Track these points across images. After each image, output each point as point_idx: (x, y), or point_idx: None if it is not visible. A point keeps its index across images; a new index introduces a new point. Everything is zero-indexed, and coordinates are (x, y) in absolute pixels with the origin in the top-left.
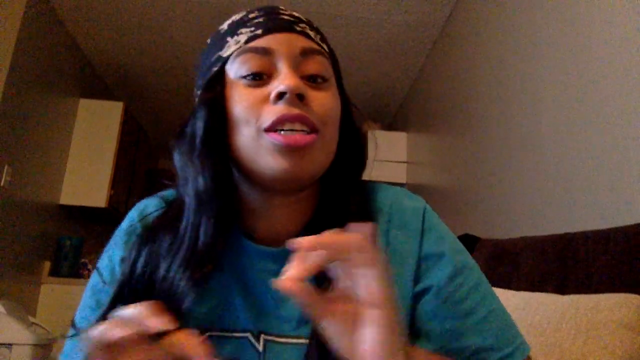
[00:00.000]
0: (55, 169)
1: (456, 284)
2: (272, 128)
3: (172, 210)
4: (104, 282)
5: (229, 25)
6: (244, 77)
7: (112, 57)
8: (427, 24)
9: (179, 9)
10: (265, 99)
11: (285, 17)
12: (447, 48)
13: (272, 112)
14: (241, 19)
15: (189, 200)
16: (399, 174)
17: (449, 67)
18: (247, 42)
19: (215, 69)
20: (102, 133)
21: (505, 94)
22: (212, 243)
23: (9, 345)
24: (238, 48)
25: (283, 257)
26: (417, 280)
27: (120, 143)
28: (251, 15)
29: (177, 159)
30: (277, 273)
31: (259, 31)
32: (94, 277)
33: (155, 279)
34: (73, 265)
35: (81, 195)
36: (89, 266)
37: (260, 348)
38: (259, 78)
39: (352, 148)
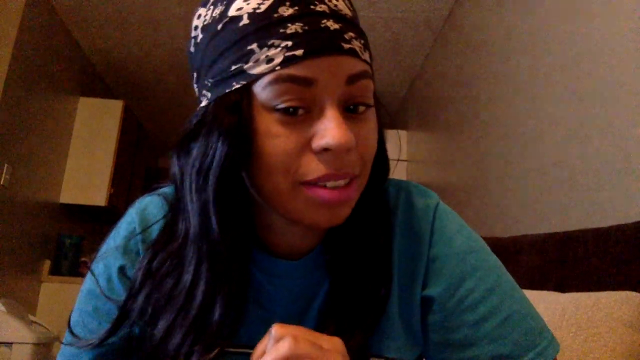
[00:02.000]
0: (55, 168)
1: (466, 289)
2: (314, 182)
3: (175, 226)
4: (102, 291)
5: (253, 21)
6: (278, 109)
7: (112, 56)
8: (426, 22)
9: (179, 7)
10: (305, 145)
11: (331, 24)
12: (446, 46)
13: (315, 168)
14: (269, 14)
15: (191, 244)
16: (399, 173)
17: (448, 65)
18: (282, 63)
19: (237, 85)
20: (102, 131)
21: (505, 92)
22: (225, 320)
23: (10, 344)
24: (272, 71)
25: (300, 271)
26: (425, 285)
27: (120, 141)
28: (285, 12)
29: (178, 178)
30: (291, 288)
31: (299, 52)
32: (89, 281)
33: (154, 331)
34: (73, 263)
35: (81, 194)
36: (89, 264)
37: None
38: (297, 114)
39: (378, 162)
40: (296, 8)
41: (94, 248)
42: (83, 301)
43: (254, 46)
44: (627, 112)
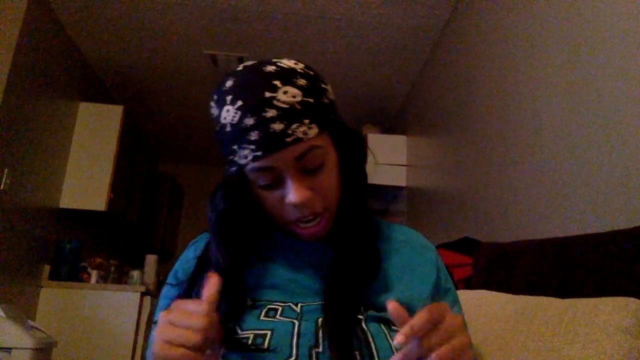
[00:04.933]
0: (55, 173)
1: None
2: (294, 222)
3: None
4: (172, 284)
5: (231, 129)
6: (259, 185)
7: (112, 61)
8: (426, 28)
9: (179, 13)
10: (282, 199)
11: (276, 126)
12: (446, 51)
13: (291, 213)
14: (239, 125)
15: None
16: (399, 177)
17: (448, 71)
18: (253, 159)
19: (234, 168)
20: (102, 136)
21: (504, 97)
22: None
23: (9, 350)
24: (247, 163)
25: (320, 251)
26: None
27: (120, 146)
28: (246, 122)
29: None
30: (314, 261)
31: (259, 153)
32: (163, 290)
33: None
34: (73, 268)
35: (81, 199)
36: (89, 270)
37: (298, 309)
38: (271, 187)
39: (353, 180)
40: (255, 118)
41: (94, 253)
42: (161, 306)
43: (235, 147)
44: (626, 117)
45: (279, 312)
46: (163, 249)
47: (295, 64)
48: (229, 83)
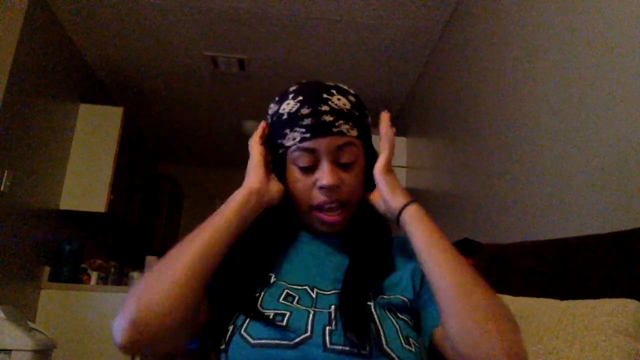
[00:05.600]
0: (55, 174)
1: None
2: (317, 208)
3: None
4: None
5: (288, 116)
6: (299, 166)
7: (113, 62)
8: (426, 29)
9: (179, 14)
10: (313, 184)
11: (327, 118)
12: (446, 53)
13: (317, 198)
14: (296, 113)
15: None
16: (399, 179)
17: (448, 72)
18: (300, 141)
19: (281, 151)
20: (102, 138)
21: (504, 99)
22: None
23: (9, 351)
24: (294, 144)
25: (332, 245)
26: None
27: (120, 148)
28: (303, 111)
29: None
30: (328, 252)
31: (308, 135)
32: None
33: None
34: (73, 270)
35: (81, 200)
36: (89, 271)
37: (314, 295)
38: (308, 169)
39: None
40: (310, 109)
41: (94, 254)
42: None
43: (287, 130)
44: (624, 119)
45: (296, 300)
46: (163, 250)
47: (349, 88)
48: (292, 88)
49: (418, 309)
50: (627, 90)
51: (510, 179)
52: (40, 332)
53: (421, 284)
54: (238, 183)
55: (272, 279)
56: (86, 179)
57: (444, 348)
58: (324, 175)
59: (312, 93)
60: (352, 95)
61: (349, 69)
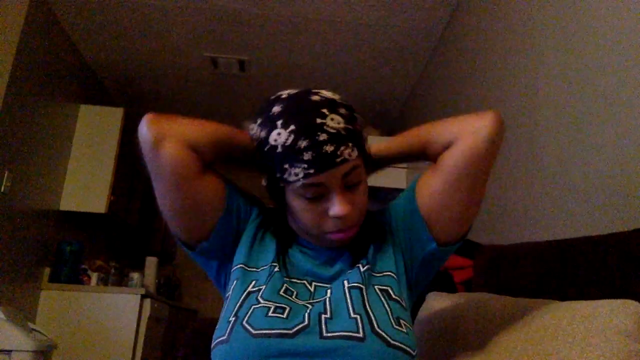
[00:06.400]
0: (55, 175)
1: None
2: (328, 233)
3: None
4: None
5: (284, 149)
6: (307, 198)
7: (113, 63)
8: (427, 30)
9: (179, 15)
10: (323, 213)
11: (328, 148)
12: (447, 53)
13: (332, 226)
14: (293, 147)
15: None
16: (399, 180)
17: (448, 73)
18: (304, 177)
19: (280, 184)
20: (103, 139)
21: (504, 99)
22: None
23: (9, 352)
24: (297, 181)
25: (334, 257)
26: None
27: (121, 149)
28: (300, 144)
29: None
30: (328, 248)
31: (311, 171)
32: None
33: None
34: (73, 271)
35: (81, 201)
36: (89, 272)
37: (312, 289)
38: (315, 200)
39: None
40: (308, 140)
41: (94, 255)
42: None
43: (287, 166)
44: (626, 120)
45: (295, 294)
46: (163, 252)
47: (333, 94)
48: (276, 109)
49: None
50: (628, 91)
51: (510, 179)
52: (41, 332)
53: (404, 214)
54: (238, 183)
55: (276, 269)
56: (86, 179)
57: (430, 176)
58: (337, 207)
59: (305, 120)
60: (340, 104)
61: (349, 69)
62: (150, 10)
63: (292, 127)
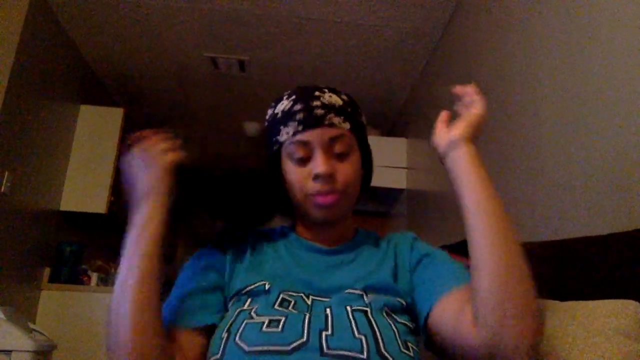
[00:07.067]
0: (55, 175)
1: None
2: (314, 194)
3: None
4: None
5: (282, 114)
6: (293, 159)
7: (113, 64)
8: (426, 31)
9: (179, 15)
10: (308, 175)
11: (318, 111)
12: (446, 54)
13: (313, 188)
14: (289, 111)
15: None
16: (399, 180)
17: (448, 73)
18: (293, 134)
19: (275, 147)
20: (103, 139)
21: (504, 100)
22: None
23: (9, 352)
24: (287, 139)
25: (331, 255)
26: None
27: (121, 149)
28: (296, 108)
29: None
30: (325, 262)
31: (300, 127)
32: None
33: None
34: (73, 271)
35: (81, 202)
36: (89, 272)
37: (309, 302)
38: (303, 160)
39: (367, 180)
40: (302, 105)
41: (94, 256)
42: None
43: (281, 126)
44: (624, 118)
45: (291, 305)
46: (163, 252)
47: (342, 92)
48: (288, 91)
49: (414, 288)
50: (628, 91)
51: (508, 179)
52: (41, 333)
53: (417, 263)
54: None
55: (267, 286)
56: (87, 180)
57: (442, 326)
58: (318, 164)
59: (305, 92)
60: (345, 95)
61: (349, 70)
62: (150, 10)
63: (293, 97)
